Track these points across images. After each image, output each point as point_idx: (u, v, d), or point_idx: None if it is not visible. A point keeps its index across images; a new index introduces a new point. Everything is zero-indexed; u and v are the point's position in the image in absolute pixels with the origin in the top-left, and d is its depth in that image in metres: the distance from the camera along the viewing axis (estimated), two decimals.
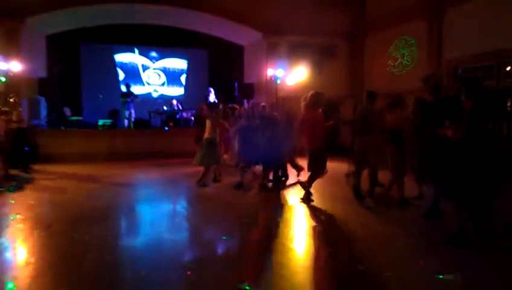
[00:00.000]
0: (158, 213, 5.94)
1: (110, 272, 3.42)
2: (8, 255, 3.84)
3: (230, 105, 9.04)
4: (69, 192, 6.93)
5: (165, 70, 17.19)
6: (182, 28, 14.47)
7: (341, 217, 5.21)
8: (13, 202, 6.06)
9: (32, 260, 3.65)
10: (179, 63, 17.36)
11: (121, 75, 16.40)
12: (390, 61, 12.29)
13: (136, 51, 16.61)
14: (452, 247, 3.84)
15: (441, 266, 3.42)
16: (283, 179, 7.67)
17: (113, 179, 8.37)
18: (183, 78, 17.44)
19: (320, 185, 6.36)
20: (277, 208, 5.81)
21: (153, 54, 16.99)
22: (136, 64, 16.75)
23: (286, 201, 6.18)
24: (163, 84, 17.17)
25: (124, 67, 16.55)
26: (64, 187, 7.31)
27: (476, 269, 3.44)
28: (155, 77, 17.12)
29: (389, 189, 5.82)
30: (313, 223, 5.03)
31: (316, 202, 5.94)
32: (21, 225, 4.79)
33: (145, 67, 16.89)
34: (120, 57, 16.51)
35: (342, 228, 4.84)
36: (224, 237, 4.37)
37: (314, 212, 5.50)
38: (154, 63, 17.03)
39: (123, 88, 13.42)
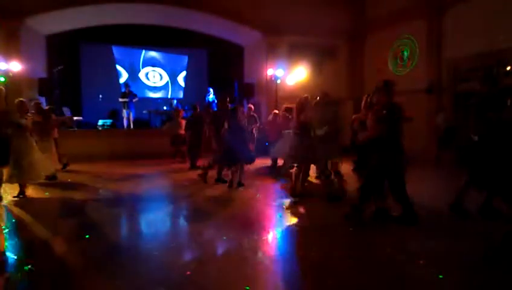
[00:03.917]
0: (159, 212, 5.94)
1: (109, 271, 3.42)
2: None
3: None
4: (69, 191, 6.94)
5: (166, 70, 17.22)
6: (182, 28, 14.47)
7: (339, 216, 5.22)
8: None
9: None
10: (179, 62, 17.37)
11: (123, 76, 16.43)
12: (390, 61, 12.31)
13: (135, 50, 16.65)
14: None
15: None
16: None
17: (114, 177, 8.38)
18: (183, 78, 17.47)
19: None
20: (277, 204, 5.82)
21: (153, 53, 17.03)
22: (137, 64, 16.77)
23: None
24: (166, 84, 17.20)
25: (125, 67, 16.58)
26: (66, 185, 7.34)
27: None
28: (156, 77, 17.15)
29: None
30: (312, 223, 5.03)
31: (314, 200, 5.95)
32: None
33: (145, 67, 16.91)
34: (120, 57, 16.53)
35: (340, 227, 4.84)
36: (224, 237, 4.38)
37: (312, 210, 5.51)
38: (154, 62, 17.07)
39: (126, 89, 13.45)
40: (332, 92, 6.89)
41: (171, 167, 10.12)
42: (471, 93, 9.73)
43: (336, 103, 6.80)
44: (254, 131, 9.90)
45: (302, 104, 6.11)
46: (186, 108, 13.47)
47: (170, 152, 11.15)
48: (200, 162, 9.81)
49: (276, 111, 10.30)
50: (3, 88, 6.03)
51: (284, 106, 9.17)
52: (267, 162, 10.05)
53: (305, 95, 6.26)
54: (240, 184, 7.05)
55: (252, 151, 7.82)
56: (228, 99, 7.76)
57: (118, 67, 16.48)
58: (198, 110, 9.87)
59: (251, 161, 7.54)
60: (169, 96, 16.70)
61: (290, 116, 8.07)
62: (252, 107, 10.54)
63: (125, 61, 16.64)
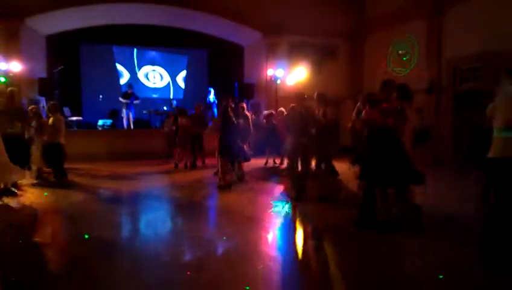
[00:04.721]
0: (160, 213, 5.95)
1: (109, 271, 3.42)
2: None
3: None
4: (70, 193, 6.94)
5: (166, 70, 17.20)
6: (182, 28, 14.47)
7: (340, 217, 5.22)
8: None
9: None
10: (179, 62, 17.36)
11: (124, 76, 16.43)
12: (390, 61, 12.29)
13: (135, 50, 16.64)
14: None
15: None
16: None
17: (114, 177, 8.39)
18: (183, 78, 17.46)
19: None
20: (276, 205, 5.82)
21: (153, 53, 17.02)
22: (137, 64, 16.76)
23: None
24: (165, 84, 17.20)
25: (126, 67, 16.58)
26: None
27: None
28: (157, 77, 17.14)
29: None
30: (313, 222, 5.03)
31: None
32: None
33: (145, 67, 16.91)
34: (121, 57, 16.52)
35: (341, 228, 4.84)
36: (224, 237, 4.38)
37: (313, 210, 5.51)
38: (154, 62, 17.07)
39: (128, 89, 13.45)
40: (332, 92, 6.92)
41: (171, 167, 10.13)
42: (472, 93, 9.79)
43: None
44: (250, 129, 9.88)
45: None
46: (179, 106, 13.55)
47: (167, 152, 11.19)
48: (200, 162, 9.85)
49: (282, 109, 10.21)
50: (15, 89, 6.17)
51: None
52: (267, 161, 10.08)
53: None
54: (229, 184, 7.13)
55: (245, 150, 7.82)
56: (230, 98, 7.74)
57: (119, 67, 16.47)
58: (201, 110, 9.90)
59: (244, 160, 7.60)
60: (171, 97, 16.67)
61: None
62: (244, 106, 10.45)
63: (126, 61, 16.62)
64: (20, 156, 6.56)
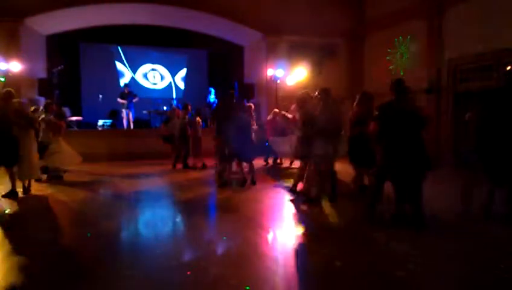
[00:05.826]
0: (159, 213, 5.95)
1: (109, 271, 3.42)
2: None
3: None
4: (68, 196, 6.94)
5: (165, 70, 17.20)
6: (181, 28, 14.47)
7: (344, 216, 5.22)
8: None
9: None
10: (179, 62, 17.36)
11: (126, 76, 16.44)
12: (390, 61, 12.29)
13: (135, 50, 16.63)
14: None
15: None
16: None
17: (114, 177, 8.39)
18: (183, 78, 17.46)
19: None
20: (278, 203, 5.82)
21: (154, 53, 17.02)
22: (137, 64, 16.76)
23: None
24: (166, 84, 17.19)
25: (126, 67, 16.57)
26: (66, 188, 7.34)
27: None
28: (157, 77, 17.14)
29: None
30: (314, 222, 5.03)
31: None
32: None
33: (146, 67, 16.91)
34: (121, 57, 16.52)
35: (341, 227, 4.84)
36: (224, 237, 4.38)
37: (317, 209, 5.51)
38: (154, 62, 17.07)
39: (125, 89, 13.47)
40: (332, 92, 6.86)
41: (171, 167, 10.12)
42: (471, 93, 9.79)
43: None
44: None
45: (302, 100, 6.11)
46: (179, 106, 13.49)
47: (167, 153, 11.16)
48: (191, 162, 9.83)
49: (276, 110, 10.29)
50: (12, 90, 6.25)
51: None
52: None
53: (305, 90, 6.21)
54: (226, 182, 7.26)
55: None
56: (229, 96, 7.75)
57: (119, 67, 16.48)
58: (190, 109, 9.95)
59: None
60: (173, 96, 16.68)
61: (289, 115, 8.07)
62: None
63: (126, 61, 16.63)
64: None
